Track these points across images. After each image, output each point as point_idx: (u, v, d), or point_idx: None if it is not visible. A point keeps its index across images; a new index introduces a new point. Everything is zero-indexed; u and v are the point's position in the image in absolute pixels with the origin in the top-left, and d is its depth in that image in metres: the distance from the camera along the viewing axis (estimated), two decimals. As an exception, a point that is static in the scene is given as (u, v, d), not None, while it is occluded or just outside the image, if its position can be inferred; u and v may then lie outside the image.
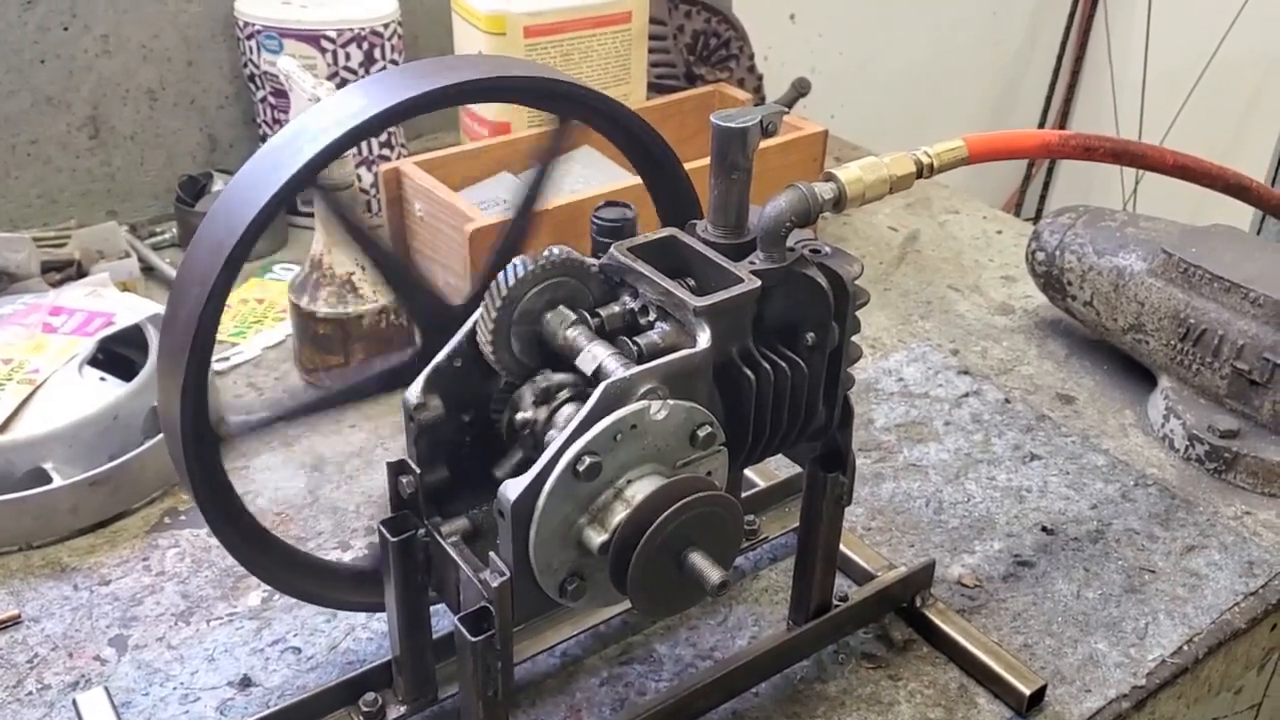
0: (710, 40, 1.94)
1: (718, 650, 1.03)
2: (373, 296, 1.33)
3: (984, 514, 1.21)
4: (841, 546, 1.03)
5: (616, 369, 0.77)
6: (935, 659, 1.03)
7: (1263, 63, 2.77)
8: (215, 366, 1.40)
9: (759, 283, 0.82)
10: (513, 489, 0.73)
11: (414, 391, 0.83)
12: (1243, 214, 2.44)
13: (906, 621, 1.06)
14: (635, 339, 0.82)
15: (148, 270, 1.57)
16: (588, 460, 0.73)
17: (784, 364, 0.85)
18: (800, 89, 2.11)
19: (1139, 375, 1.41)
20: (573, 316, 0.83)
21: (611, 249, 0.86)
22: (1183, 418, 1.29)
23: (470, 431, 0.87)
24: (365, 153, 1.67)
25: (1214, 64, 2.77)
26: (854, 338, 0.90)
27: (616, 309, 0.85)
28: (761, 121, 0.85)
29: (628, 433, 0.75)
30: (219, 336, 1.59)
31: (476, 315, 0.83)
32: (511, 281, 0.82)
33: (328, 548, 1.15)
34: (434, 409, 0.84)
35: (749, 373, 0.83)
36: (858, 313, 0.89)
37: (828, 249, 0.88)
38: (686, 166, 1.41)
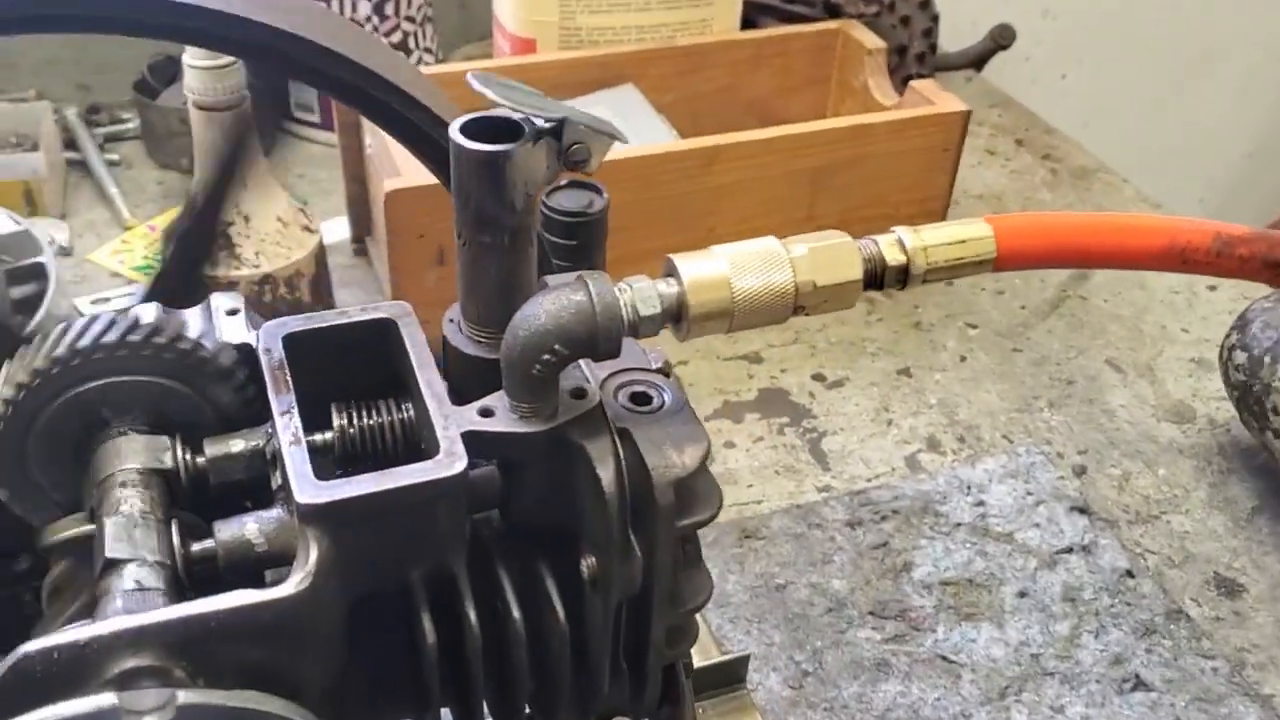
0: (869, -41, 1.45)
1: None
2: (253, 259, 0.98)
3: (1024, 777, 0.76)
4: None
5: (113, 610, 0.39)
6: None
7: None
8: (89, 308, 1.09)
9: (458, 468, 0.41)
10: None
11: None
12: None
13: None
14: (225, 522, 0.43)
15: (81, 165, 1.27)
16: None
17: (515, 610, 0.44)
18: (1000, 39, 1.60)
19: (1359, 573, 0.90)
20: (136, 456, 0.44)
21: (263, 329, 0.47)
22: None
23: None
24: (373, 54, 1.29)
25: None
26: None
27: (239, 448, 0.46)
28: (555, 139, 0.43)
29: (51, 761, 0.36)
30: (113, 268, 1.29)
31: (-33, 424, 0.46)
32: (21, 377, 0.44)
33: None
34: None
35: (425, 625, 0.43)
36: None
37: (663, 397, 0.46)
38: (764, 134, 1.00)
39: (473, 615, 0.43)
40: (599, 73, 1.17)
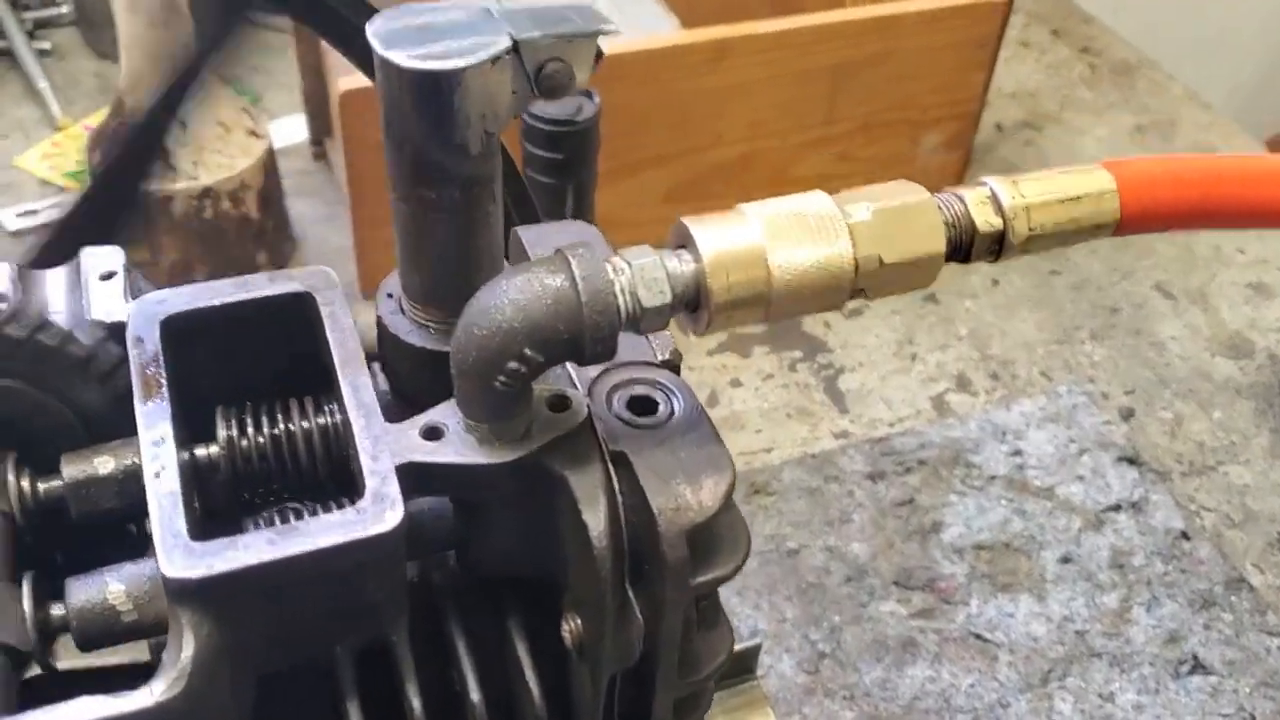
0: None
1: None
2: (190, 170, 0.85)
3: (1070, 778, 0.67)
4: None
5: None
6: None
7: None
8: (14, 221, 0.97)
9: (389, 523, 0.30)
10: None
11: None
12: None
13: None
14: (81, 580, 0.32)
15: (7, 56, 1.13)
16: None
17: (474, 688, 0.34)
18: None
19: None
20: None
21: (135, 309, 0.35)
22: None
23: None
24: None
25: None
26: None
27: (107, 468, 0.34)
28: (529, 59, 0.30)
29: None
30: (43, 175, 1.16)
31: None
32: None
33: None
34: None
35: (353, 716, 0.32)
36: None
37: (672, 403, 0.34)
38: (779, 25, 0.89)
39: (416, 701, 0.32)
40: (589, -48, 1.02)
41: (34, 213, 0.98)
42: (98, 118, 1.08)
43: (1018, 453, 0.85)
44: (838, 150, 1.00)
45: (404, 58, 0.29)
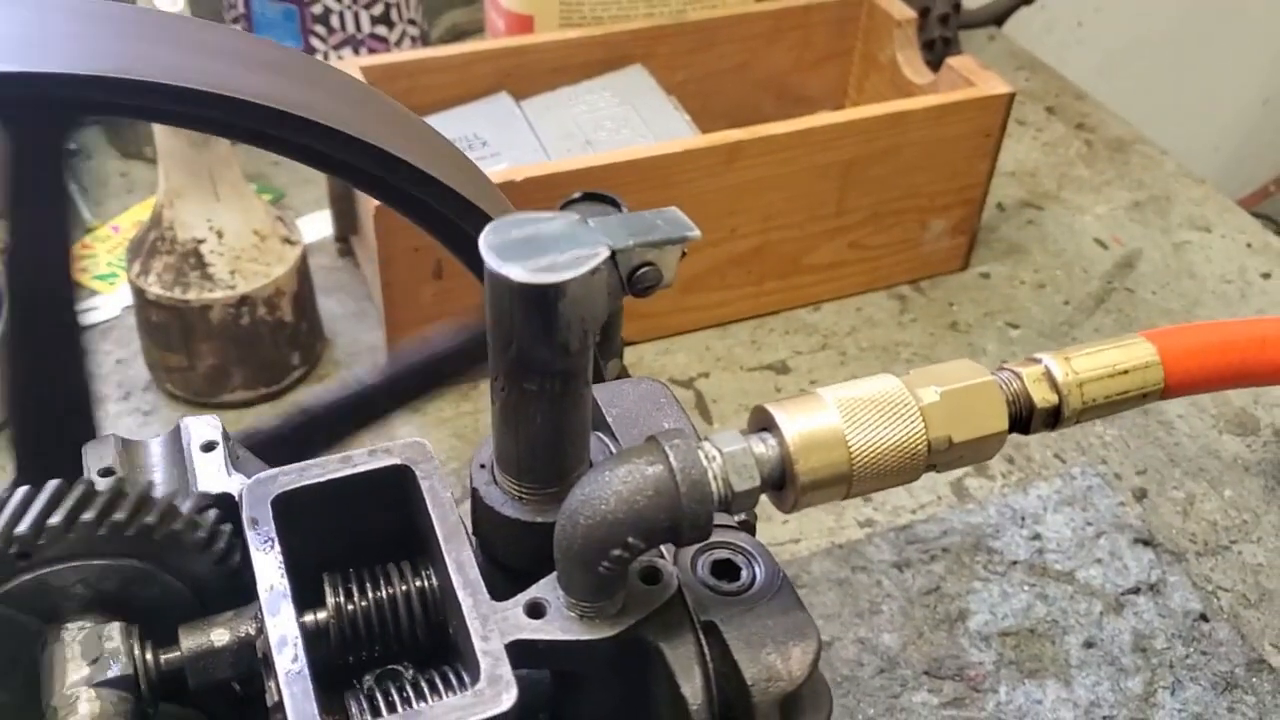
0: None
1: None
2: (228, 279, 0.87)
3: None
4: None
5: None
6: None
7: None
8: (48, 326, 0.99)
9: (505, 704, 0.32)
10: None
11: None
12: None
13: None
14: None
15: None
16: None
17: None
18: (1024, -6, 1.50)
19: None
20: (81, 666, 0.35)
21: (247, 490, 0.37)
22: None
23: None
24: (351, 28, 1.18)
25: None
26: None
27: (223, 640, 0.37)
28: (623, 264, 0.33)
29: None
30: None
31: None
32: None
33: None
34: None
35: None
36: None
37: (754, 569, 0.37)
38: (791, 126, 0.90)
39: None
40: (603, 53, 1.06)
41: (67, 317, 1.00)
42: (126, 219, 1.11)
43: (1037, 537, 0.88)
44: (849, 239, 1.04)
45: (517, 272, 0.32)
